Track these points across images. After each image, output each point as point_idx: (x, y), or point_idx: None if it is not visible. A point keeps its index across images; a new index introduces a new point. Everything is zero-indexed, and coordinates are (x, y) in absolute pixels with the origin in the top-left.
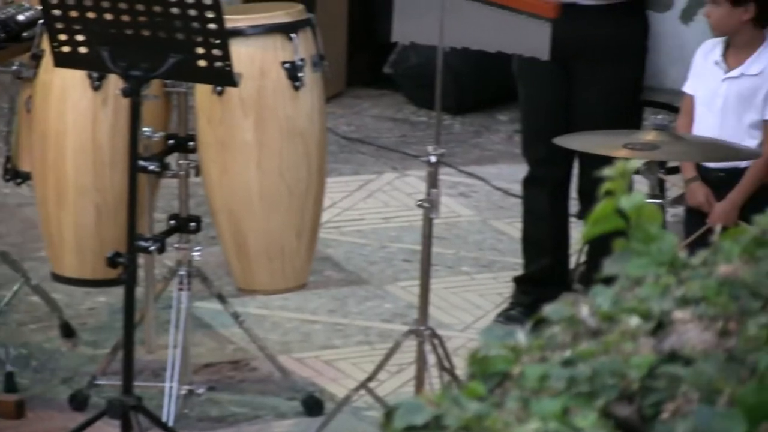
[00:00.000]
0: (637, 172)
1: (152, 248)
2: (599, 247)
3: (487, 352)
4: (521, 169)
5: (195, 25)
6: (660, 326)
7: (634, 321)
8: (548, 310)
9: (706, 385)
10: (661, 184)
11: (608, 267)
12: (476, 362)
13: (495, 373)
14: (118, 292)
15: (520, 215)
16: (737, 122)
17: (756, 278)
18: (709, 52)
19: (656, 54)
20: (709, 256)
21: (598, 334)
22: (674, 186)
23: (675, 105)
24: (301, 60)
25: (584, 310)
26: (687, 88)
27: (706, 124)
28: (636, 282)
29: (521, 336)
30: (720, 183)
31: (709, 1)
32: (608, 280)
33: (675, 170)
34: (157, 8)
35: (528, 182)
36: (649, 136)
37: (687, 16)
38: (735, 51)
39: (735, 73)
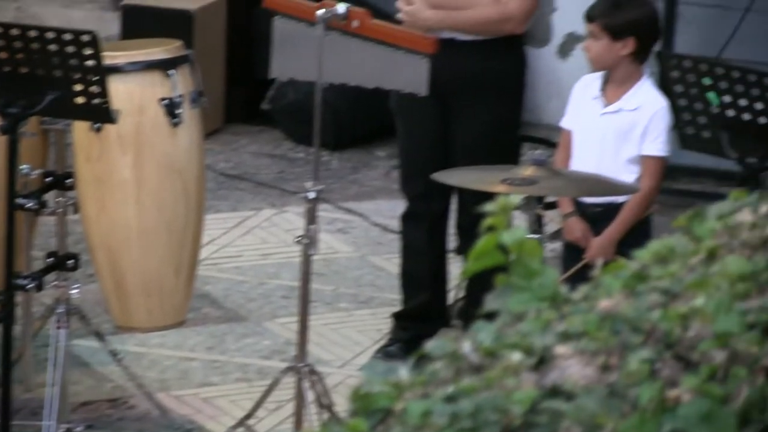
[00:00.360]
0: (516, 207)
1: (30, 286)
2: (478, 282)
3: (369, 388)
4: (399, 205)
5: (73, 61)
6: (542, 361)
7: (516, 356)
8: (430, 345)
9: (588, 420)
10: (539, 219)
11: (490, 302)
12: (358, 398)
13: (377, 410)
14: None
15: (398, 251)
16: (615, 157)
17: (636, 313)
18: (587, 87)
19: (534, 89)
20: (589, 291)
21: (481, 370)
22: (552, 221)
23: (553, 140)
24: (180, 96)
25: (466, 346)
26: (565, 123)
27: (585, 159)
28: (518, 317)
29: (403, 372)
30: (597, 218)
31: (587, 36)
32: (490, 316)
33: (553, 205)
34: (34, 45)
35: (406, 218)
36: (527, 171)
37: (564, 51)
38: (613, 86)
39: (613, 108)
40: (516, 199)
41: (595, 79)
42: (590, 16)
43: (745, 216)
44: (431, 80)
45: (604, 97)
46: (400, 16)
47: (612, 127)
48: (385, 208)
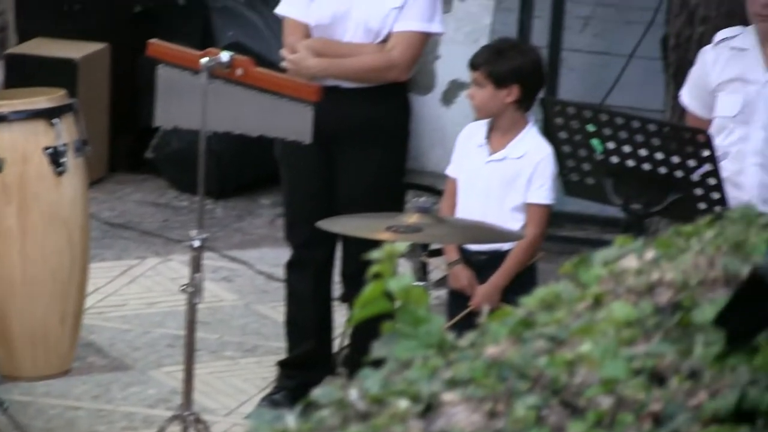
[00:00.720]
0: (401, 254)
1: None
2: (363, 329)
3: None
4: (284, 253)
5: None
6: (429, 408)
7: (403, 403)
8: (317, 393)
9: None
10: (423, 266)
11: (377, 349)
12: None
13: None
14: None
15: (283, 299)
16: (500, 205)
17: (523, 359)
18: (472, 135)
19: (418, 136)
20: (476, 338)
21: (367, 417)
22: (437, 268)
23: (437, 187)
24: (64, 145)
25: (353, 393)
26: (450, 171)
27: (470, 206)
28: (404, 364)
29: (290, 420)
30: (482, 266)
31: (471, 83)
32: (376, 363)
33: (437, 252)
34: None
35: (291, 266)
36: (411, 218)
37: (448, 98)
38: (498, 134)
39: (498, 156)
40: (402, 246)
41: (480, 127)
42: (474, 64)
43: (631, 262)
44: (315, 128)
45: (489, 145)
46: (284, 64)
47: (497, 175)
48: (270, 256)
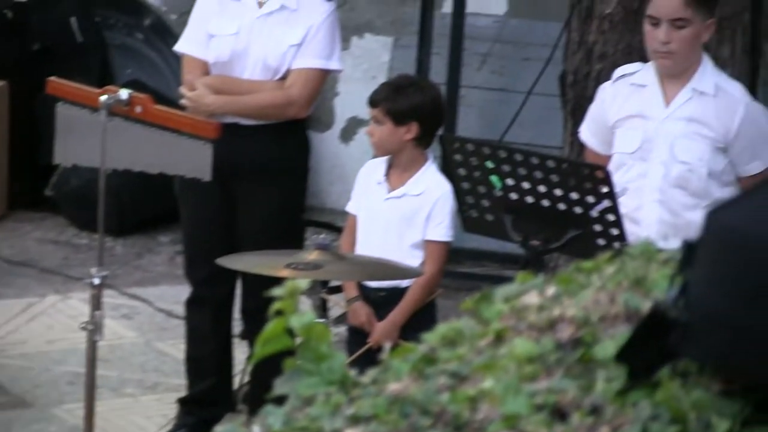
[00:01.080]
0: (302, 291)
1: None
2: (263, 366)
3: None
4: (184, 290)
5: None
6: None
7: None
8: (219, 430)
9: None
10: (323, 303)
11: (279, 386)
12: None
13: None
14: None
15: (183, 336)
16: (399, 242)
17: (425, 396)
18: (372, 172)
19: (317, 173)
20: (378, 375)
21: None
22: (336, 305)
23: (337, 224)
24: None
25: (256, 430)
26: (350, 208)
27: (369, 243)
28: (307, 401)
29: None
30: (382, 302)
31: (371, 121)
32: (279, 400)
33: (337, 289)
34: None
35: (191, 303)
36: (311, 255)
37: (347, 135)
38: (398, 171)
39: (397, 193)
40: (303, 283)
41: (380, 164)
42: (373, 101)
43: (532, 298)
44: (215, 165)
45: (388, 182)
46: (183, 101)
47: (396, 212)
48: (170, 294)
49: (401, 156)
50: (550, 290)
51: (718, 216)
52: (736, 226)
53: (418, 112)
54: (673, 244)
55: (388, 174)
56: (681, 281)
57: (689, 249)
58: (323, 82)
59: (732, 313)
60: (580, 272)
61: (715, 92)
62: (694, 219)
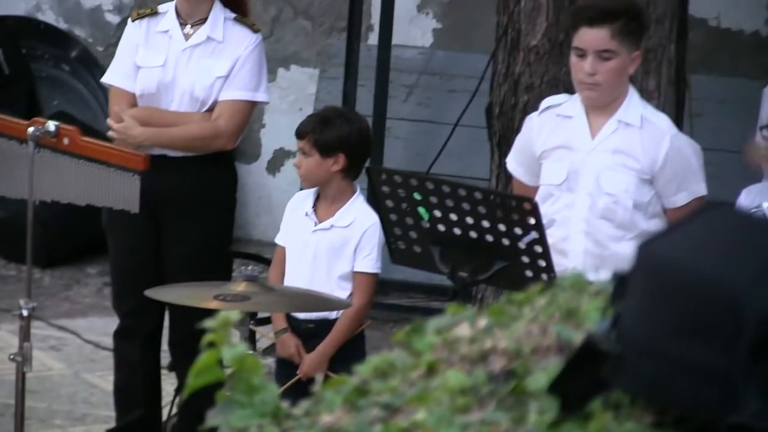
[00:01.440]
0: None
1: None
2: (193, 398)
3: None
4: (112, 322)
5: None
6: None
7: None
8: None
9: None
10: (252, 335)
11: (211, 418)
12: None
13: None
14: None
15: (112, 367)
16: (328, 274)
17: (358, 427)
18: (300, 203)
19: (244, 205)
20: (311, 407)
21: None
22: (264, 336)
23: (264, 256)
24: None
25: None
26: (279, 239)
27: (298, 275)
28: None
29: None
30: (310, 334)
31: (298, 152)
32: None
33: (266, 321)
34: None
35: (119, 334)
36: (239, 287)
37: (274, 167)
38: (326, 203)
39: (325, 225)
40: (235, 315)
41: (307, 196)
42: (300, 133)
43: (464, 330)
44: (142, 196)
45: (316, 214)
46: (110, 133)
47: (324, 244)
48: (98, 325)
49: (329, 188)
50: (482, 322)
51: (648, 248)
52: (666, 258)
53: (344, 143)
54: (602, 275)
55: (316, 206)
56: (613, 313)
57: (620, 281)
58: (250, 113)
59: (662, 344)
60: (511, 304)
61: (641, 124)
62: (621, 251)
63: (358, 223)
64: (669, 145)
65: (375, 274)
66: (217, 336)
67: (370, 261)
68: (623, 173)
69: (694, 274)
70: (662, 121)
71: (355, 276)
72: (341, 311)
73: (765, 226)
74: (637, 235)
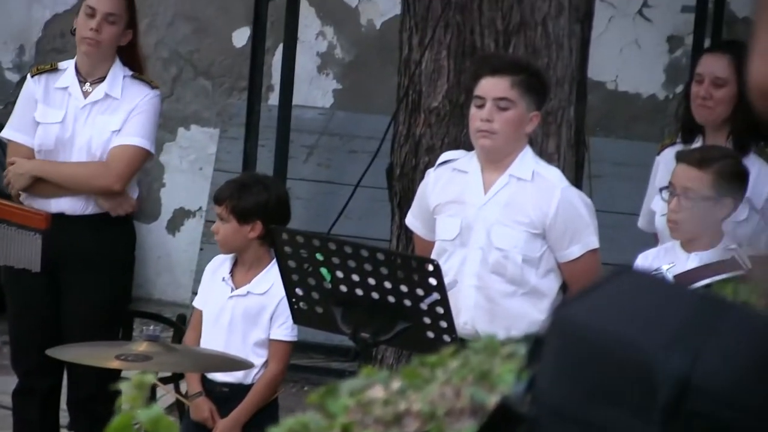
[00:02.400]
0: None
1: None
2: None
3: None
4: (11, 381)
5: None
6: None
7: None
8: None
9: None
10: (153, 392)
11: None
12: None
13: None
14: None
15: (11, 427)
16: (243, 340)
17: None
18: (218, 268)
19: (144, 264)
20: None
21: None
22: (168, 394)
23: (164, 315)
24: None
25: None
26: (197, 303)
27: (213, 340)
28: None
29: None
30: (225, 398)
31: (217, 217)
32: None
33: (169, 379)
34: None
35: (18, 394)
36: (141, 347)
37: (173, 226)
38: (243, 269)
39: (242, 291)
40: (150, 377)
41: (225, 260)
42: (218, 199)
43: (377, 392)
44: (42, 255)
45: (233, 280)
46: (5, 181)
47: (240, 310)
48: None
49: (246, 254)
50: (396, 384)
51: (562, 311)
52: (578, 321)
53: (262, 210)
54: (491, 331)
55: (233, 271)
56: (528, 375)
57: (536, 342)
58: (140, 160)
59: (577, 408)
60: (423, 366)
61: (532, 178)
62: (512, 306)
63: (275, 291)
64: (560, 198)
65: (291, 342)
66: (132, 398)
67: (286, 329)
68: (513, 228)
69: (607, 338)
70: (553, 175)
71: (271, 343)
72: (257, 377)
73: (676, 290)
74: (528, 291)
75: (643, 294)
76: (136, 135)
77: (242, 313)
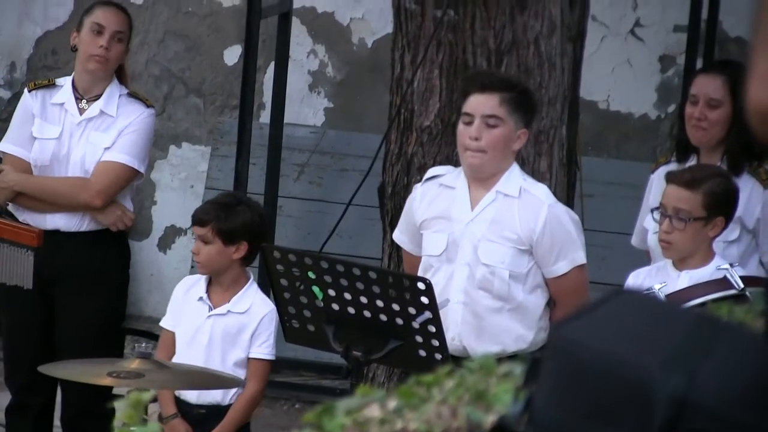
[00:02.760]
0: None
1: None
2: None
3: None
4: (5, 397)
5: None
6: None
7: None
8: None
9: None
10: (144, 410)
11: None
12: None
13: None
14: None
15: None
16: (222, 360)
17: None
18: (190, 288)
19: (136, 282)
20: None
21: None
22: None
23: (155, 332)
24: None
25: None
26: (165, 324)
27: (190, 360)
28: None
29: None
30: (202, 419)
31: (196, 239)
32: None
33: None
34: None
35: (11, 410)
36: (133, 364)
37: (165, 244)
38: (220, 288)
39: (221, 310)
40: (148, 395)
41: (198, 281)
42: (202, 221)
43: (374, 411)
44: (35, 271)
45: (210, 300)
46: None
47: (219, 330)
48: None
49: (226, 274)
50: (392, 403)
51: (560, 331)
52: (576, 341)
53: (248, 231)
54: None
55: (208, 291)
56: (525, 395)
57: (533, 363)
58: (125, 178)
59: (573, 427)
60: (419, 385)
61: (519, 194)
62: (499, 322)
63: (256, 310)
64: (547, 214)
65: (271, 361)
66: (129, 415)
67: (266, 348)
68: (500, 244)
69: (604, 358)
70: (540, 191)
71: (251, 362)
72: (234, 397)
73: (672, 311)
74: (515, 307)
75: (640, 314)
76: (123, 152)
77: (222, 333)
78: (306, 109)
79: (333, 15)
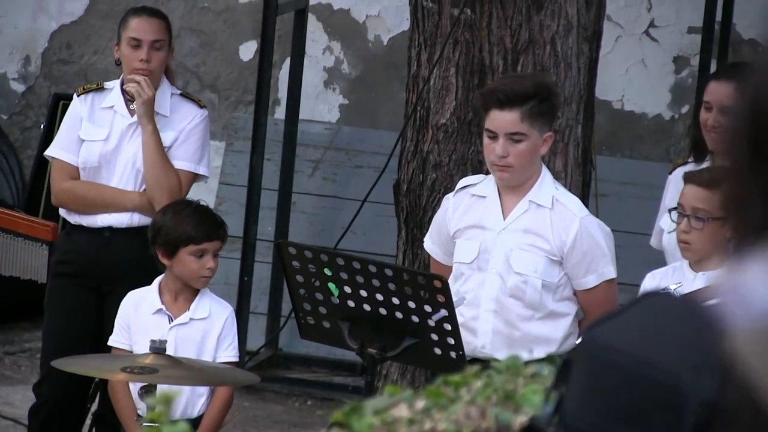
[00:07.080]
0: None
1: None
2: None
3: None
4: (13, 392)
5: None
6: None
7: None
8: None
9: None
10: None
11: None
12: None
13: None
14: None
15: None
16: None
17: None
18: (140, 303)
19: None
20: None
21: None
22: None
23: None
24: None
25: None
26: (117, 342)
27: None
28: None
29: None
30: None
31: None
32: None
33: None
34: None
35: (37, 412)
36: (147, 359)
37: None
38: (169, 297)
39: (183, 319)
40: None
41: (146, 293)
42: (220, 235)
43: (402, 411)
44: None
45: (169, 311)
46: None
47: (183, 338)
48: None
49: (174, 282)
50: (420, 403)
51: (591, 332)
52: (606, 343)
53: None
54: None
55: (164, 302)
56: (556, 397)
57: (565, 364)
58: (189, 184)
59: (603, 430)
60: (447, 385)
61: (552, 205)
62: (530, 330)
63: (217, 314)
64: (578, 227)
65: (236, 363)
66: (157, 414)
67: (232, 350)
68: (533, 253)
69: (635, 361)
70: (573, 204)
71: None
72: (202, 408)
73: (704, 314)
74: (545, 315)
75: (671, 318)
76: (186, 159)
77: (187, 341)
78: (321, 105)
79: (349, 12)
